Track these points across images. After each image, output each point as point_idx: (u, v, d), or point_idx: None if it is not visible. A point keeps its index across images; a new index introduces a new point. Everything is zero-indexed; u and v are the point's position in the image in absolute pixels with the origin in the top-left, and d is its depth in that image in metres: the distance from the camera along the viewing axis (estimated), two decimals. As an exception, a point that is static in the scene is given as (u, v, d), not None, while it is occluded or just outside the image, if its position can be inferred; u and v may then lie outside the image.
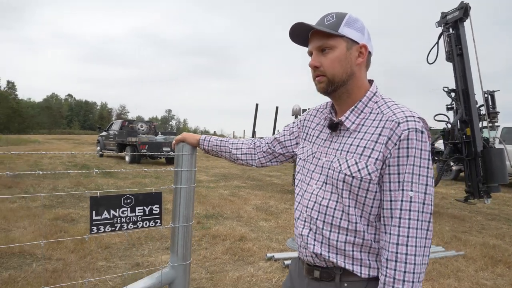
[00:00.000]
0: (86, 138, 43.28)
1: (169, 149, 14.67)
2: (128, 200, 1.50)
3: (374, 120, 1.14)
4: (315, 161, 1.25)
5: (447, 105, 6.88)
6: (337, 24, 1.14)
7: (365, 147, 1.12)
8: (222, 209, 6.69)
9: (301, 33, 1.22)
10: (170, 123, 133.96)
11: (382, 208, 1.11)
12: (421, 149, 1.06)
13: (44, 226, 5.11)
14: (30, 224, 5.12)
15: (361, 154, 1.12)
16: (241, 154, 1.56)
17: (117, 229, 1.47)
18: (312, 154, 1.28)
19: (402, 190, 1.06)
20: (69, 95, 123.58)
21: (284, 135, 1.48)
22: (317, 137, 1.30)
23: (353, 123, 1.17)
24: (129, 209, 1.50)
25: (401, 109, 1.12)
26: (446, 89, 6.74)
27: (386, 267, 1.06)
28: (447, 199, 8.87)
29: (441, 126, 6.90)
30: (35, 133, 65.59)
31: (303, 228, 1.23)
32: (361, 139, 1.14)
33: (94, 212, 1.42)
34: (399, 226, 1.05)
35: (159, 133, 17.79)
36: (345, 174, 1.12)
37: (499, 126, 10.63)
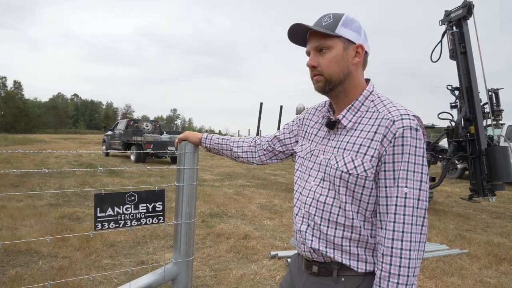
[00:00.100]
0: (92, 137, 43.54)
1: (174, 148, 14.74)
2: (132, 198, 1.54)
3: (370, 118, 1.17)
4: (313, 159, 1.28)
5: (451, 103, 6.86)
6: (334, 25, 1.17)
7: (361, 144, 1.14)
8: (226, 208, 6.73)
9: (299, 34, 1.24)
10: (175, 122, 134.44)
11: (378, 204, 1.13)
12: (416, 147, 1.08)
13: (50, 224, 5.17)
14: (37, 223, 5.18)
15: (358, 152, 1.14)
16: (242, 152, 1.59)
17: (121, 225, 1.51)
18: (310, 151, 1.30)
19: (397, 186, 1.08)
20: (75, 94, 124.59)
21: (283, 133, 1.51)
22: (316, 135, 1.32)
23: (350, 121, 1.20)
24: (132, 206, 1.54)
25: (396, 107, 1.14)
26: (450, 87, 6.73)
27: (382, 262, 1.09)
28: (452, 198, 8.85)
29: (445, 124, 6.88)
30: (41, 132, 66.14)
31: (301, 224, 1.26)
32: (358, 137, 1.16)
33: (98, 209, 1.45)
34: (394, 222, 1.08)
35: (164, 132, 17.88)
36: (342, 171, 1.15)
37: (504, 124, 10.58)
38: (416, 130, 1.09)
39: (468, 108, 6.39)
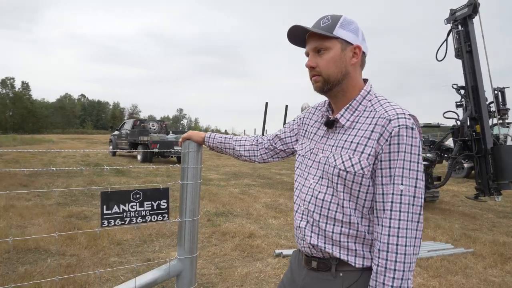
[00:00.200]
0: (99, 137, 43.84)
1: (180, 148, 14.83)
2: (137, 195, 1.58)
3: (367, 117, 1.20)
4: (313, 157, 1.31)
5: (456, 102, 6.84)
6: (332, 26, 1.20)
7: (358, 143, 1.17)
8: (232, 207, 6.77)
9: (298, 35, 1.28)
10: (182, 122, 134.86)
11: (374, 201, 1.16)
12: (411, 145, 1.11)
13: (58, 223, 5.25)
14: (45, 221, 5.27)
15: (355, 150, 1.17)
16: (244, 150, 1.63)
17: (126, 222, 1.55)
18: (310, 150, 1.34)
19: (393, 184, 1.11)
20: (82, 95, 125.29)
21: (284, 132, 1.54)
22: (315, 134, 1.36)
23: (347, 120, 1.23)
24: (138, 203, 1.58)
25: (393, 106, 1.17)
26: (455, 86, 6.70)
27: (378, 257, 1.12)
28: (458, 197, 8.82)
29: (451, 123, 6.87)
30: (49, 133, 66.70)
31: (300, 220, 1.29)
32: (355, 135, 1.20)
33: (105, 206, 1.50)
34: (390, 218, 1.11)
35: (171, 132, 17.99)
36: (340, 169, 1.18)
37: (510, 123, 10.51)
38: (412, 129, 1.12)
39: (474, 107, 6.37)
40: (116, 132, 18.81)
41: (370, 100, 1.23)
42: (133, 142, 16.50)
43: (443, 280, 3.69)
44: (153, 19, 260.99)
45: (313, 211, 1.24)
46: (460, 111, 6.73)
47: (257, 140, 1.63)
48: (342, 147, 1.21)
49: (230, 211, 6.47)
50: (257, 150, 1.61)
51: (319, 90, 1.26)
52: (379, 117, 1.16)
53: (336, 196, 1.20)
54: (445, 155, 7.05)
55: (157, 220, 1.64)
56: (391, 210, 1.11)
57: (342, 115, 1.24)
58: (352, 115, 1.23)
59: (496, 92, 6.66)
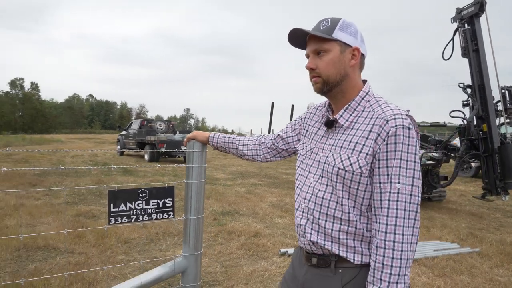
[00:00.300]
0: (107, 137, 44.16)
1: (185, 148, 14.92)
2: (143, 194, 1.62)
3: (365, 117, 1.23)
4: (313, 156, 1.34)
5: (463, 101, 6.81)
6: (331, 29, 1.23)
7: (356, 142, 1.21)
8: (238, 206, 6.81)
9: (299, 37, 1.31)
10: (189, 122, 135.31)
11: (372, 199, 1.19)
12: (408, 144, 1.14)
13: (67, 221, 5.33)
14: (54, 220, 5.35)
15: (353, 149, 1.20)
16: (247, 150, 1.67)
17: (133, 220, 1.60)
18: (310, 149, 1.37)
19: (390, 182, 1.14)
20: (90, 95, 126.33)
21: (286, 132, 1.58)
22: (315, 133, 1.39)
23: (346, 120, 1.26)
24: (144, 202, 1.62)
25: (390, 107, 1.20)
26: (462, 85, 6.68)
27: (376, 254, 1.15)
28: (466, 196, 8.77)
29: (457, 122, 6.84)
30: (58, 133, 67.36)
31: (301, 218, 1.32)
32: (354, 135, 1.23)
33: (112, 204, 1.55)
34: (387, 216, 1.14)
35: (178, 132, 18.09)
36: (339, 168, 1.22)
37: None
38: (409, 128, 1.15)
39: (481, 106, 6.34)
40: (124, 132, 18.95)
41: (368, 101, 1.26)
42: (140, 142, 16.63)
43: (448, 280, 3.69)
44: (162, 19, 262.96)
45: (313, 209, 1.28)
46: (466, 110, 6.71)
47: (259, 140, 1.67)
48: (341, 147, 1.24)
49: (236, 210, 6.51)
50: (259, 150, 1.65)
51: (319, 91, 1.29)
52: (377, 118, 1.19)
53: (336, 194, 1.23)
54: (452, 155, 7.02)
55: (162, 218, 1.68)
56: (388, 208, 1.14)
57: (341, 116, 1.27)
58: (351, 115, 1.26)
59: (503, 91, 6.62)
